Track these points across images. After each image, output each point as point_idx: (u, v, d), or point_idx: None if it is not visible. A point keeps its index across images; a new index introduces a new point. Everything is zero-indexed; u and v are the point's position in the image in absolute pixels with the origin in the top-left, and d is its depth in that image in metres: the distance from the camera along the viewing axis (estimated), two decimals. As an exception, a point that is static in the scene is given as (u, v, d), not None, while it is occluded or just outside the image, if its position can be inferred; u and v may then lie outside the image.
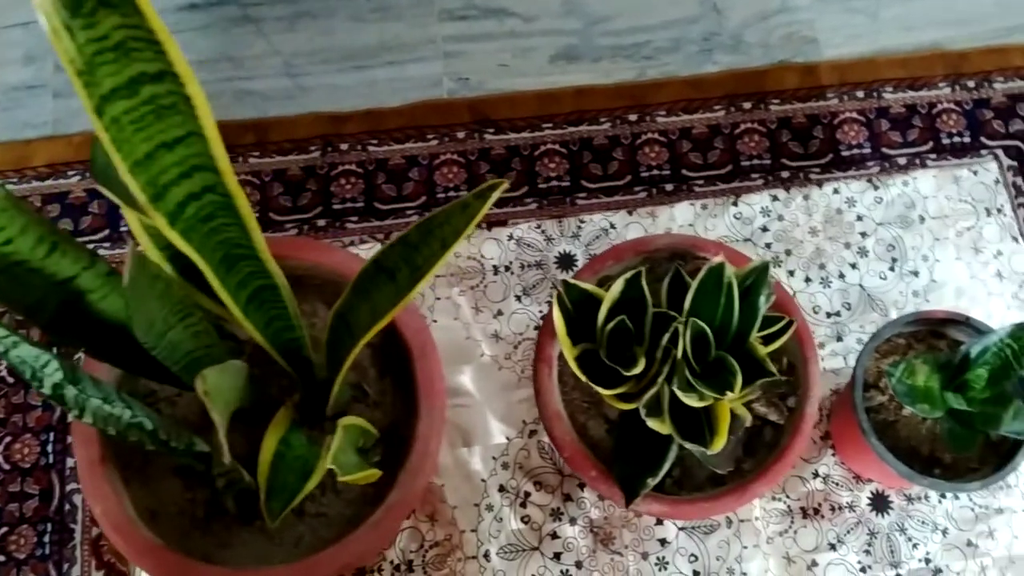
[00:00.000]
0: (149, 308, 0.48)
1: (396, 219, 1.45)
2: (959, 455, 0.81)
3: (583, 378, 0.69)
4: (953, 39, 1.53)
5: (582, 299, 0.72)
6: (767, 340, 0.73)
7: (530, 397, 0.94)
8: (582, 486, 0.91)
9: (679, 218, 1.00)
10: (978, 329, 0.83)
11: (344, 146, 1.48)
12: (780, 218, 1.00)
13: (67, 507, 1.32)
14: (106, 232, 1.42)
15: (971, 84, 1.51)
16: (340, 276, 0.71)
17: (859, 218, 1.00)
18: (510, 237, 1.00)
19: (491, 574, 0.89)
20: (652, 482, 0.71)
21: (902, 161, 1.47)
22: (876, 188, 1.01)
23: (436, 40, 1.56)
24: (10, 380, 1.37)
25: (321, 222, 1.44)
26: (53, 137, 1.47)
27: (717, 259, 0.67)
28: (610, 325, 0.70)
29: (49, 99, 1.50)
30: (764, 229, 0.99)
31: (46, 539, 1.29)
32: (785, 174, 1.46)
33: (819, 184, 1.00)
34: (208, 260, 0.49)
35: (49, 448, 1.33)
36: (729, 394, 0.65)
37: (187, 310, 0.53)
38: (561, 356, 0.79)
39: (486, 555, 0.89)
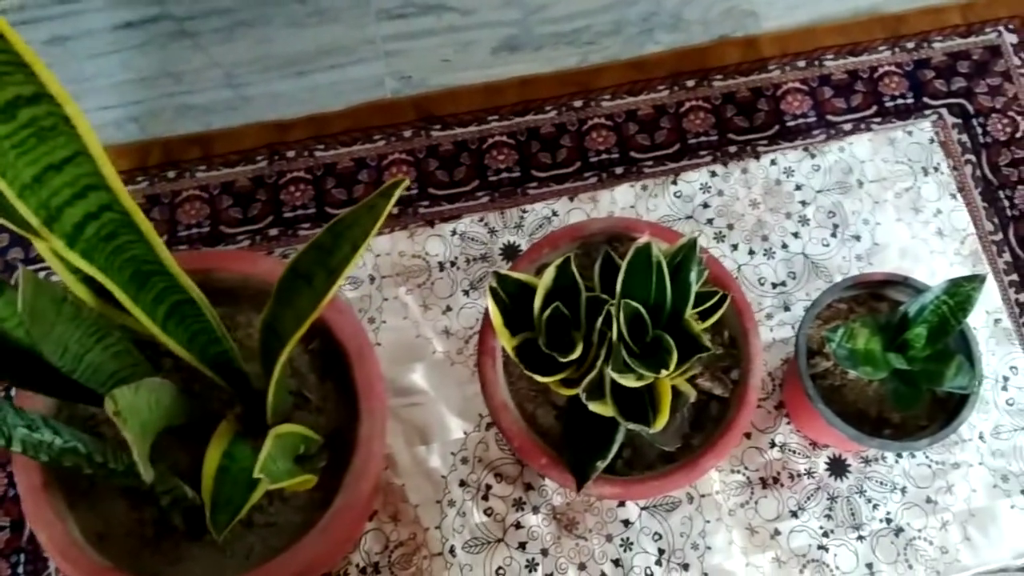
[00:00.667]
0: (58, 333, 0.48)
1: (348, 223, 1.44)
2: (907, 414, 0.82)
3: (522, 368, 0.69)
4: (890, 2, 1.54)
5: (518, 290, 0.72)
6: (704, 315, 0.73)
7: (484, 390, 0.94)
8: (543, 474, 0.91)
9: (620, 200, 1.00)
10: (917, 288, 0.83)
11: (291, 153, 1.47)
12: (720, 193, 1.00)
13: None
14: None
15: (910, 45, 1.52)
16: (271, 285, 0.70)
17: (798, 187, 1.00)
18: (453, 232, 1.00)
19: (458, 569, 0.89)
20: (602, 465, 0.71)
21: (847, 127, 1.48)
22: (813, 156, 1.01)
23: (375, 40, 1.56)
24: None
25: (273, 231, 1.43)
26: None
27: (643, 239, 0.67)
28: (546, 313, 0.70)
29: None
30: (705, 205, 1.00)
31: (20, 570, 1.28)
32: (732, 149, 1.47)
33: (756, 156, 1.01)
34: (115, 279, 0.49)
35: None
36: (664, 372, 0.65)
37: (103, 331, 0.52)
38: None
39: (451, 551, 0.89)
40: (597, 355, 0.69)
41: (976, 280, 0.75)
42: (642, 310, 0.69)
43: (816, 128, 1.47)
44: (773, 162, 1.01)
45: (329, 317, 0.71)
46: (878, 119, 1.48)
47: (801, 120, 1.48)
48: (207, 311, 0.57)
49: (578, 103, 1.50)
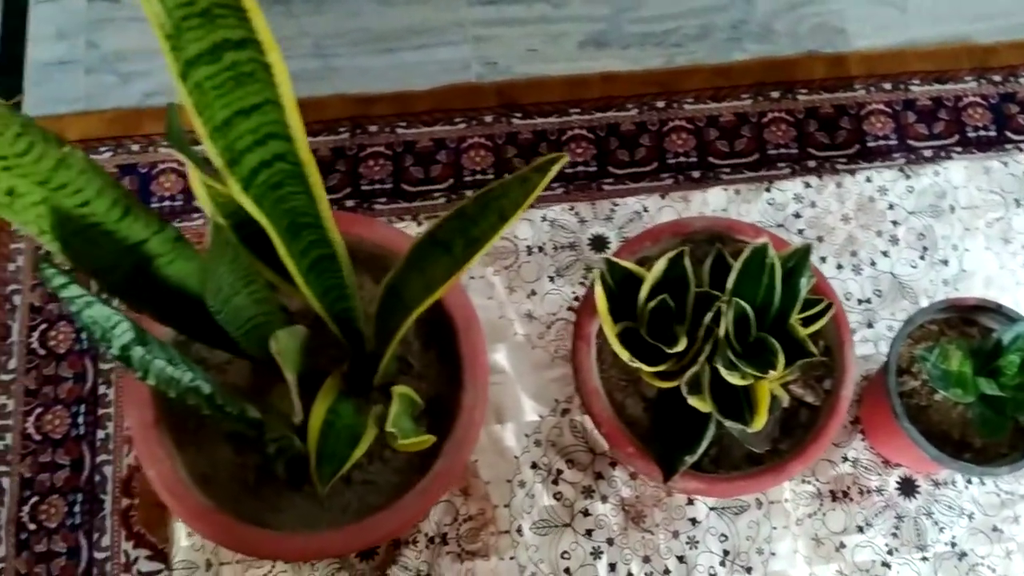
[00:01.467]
0: (219, 273, 0.49)
1: (424, 201, 1.46)
2: (989, 440, 0.82)
3: (625, 356, 0.70)
4: (980, 33, 1.54)
5: (623, 278, 0.73)
6: (806, 323, 0.74)
7: (563, 376, 0.95)
8: (613, 464, 0.92)
9: (712, 203, 1.01)
10: (1009, 316, 0.84)
11: (373, 128, 1.49)
12: (813, 205, 1.01)
13: (97, 478, 1.34)
14: (137, 208, 1.43)
15: (997, 78, 1.51)
16: (385, 250, 0.72)
17: (891, 207, 1.01)
18: (543, 218, 1.01)
19: (524, 549, 0.90)
20: (690, 460, 0.72)
21: (928, 153, 1.48)
22: (908, 177, 1.01)
23: (465, 24, 1.57)
24: (41, 352, 1.39)
25: (350, 203, 1.45)
26: (86, 113, 1.48)
27: (761, 240, 0.68)
28: (652, 304, 0.71)
29: (81, 75, 1.51)
30: (797, 215, 1.00)
31: (76, 509, 1.31)
32: (812, 163, 1.47)
33: (851, 172, 1.01)
34: (275, 226, 0.51)
35: (80, 420, 1.35)
36: (772, 373, 0.66)
37: (251, 276, 0.54)
38: (599, 334, 0.81)
39: (519, 530, 0.90)
40: (701, 350, 0.70)
41: (1077, 314, 0.76)
42: (749, 310, 0.70)
43: (897, 151, 1.47)
44: (868, 179, 1.01)
45: (440, 287, 0.72)
46: (959, 148, 1.48)
47: (883, 142, 1.48)
48: (345, 268, 0.59)
49: (660, 104, 1.51)
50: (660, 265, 0.71)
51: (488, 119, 1.52)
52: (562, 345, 0.96)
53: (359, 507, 0.69)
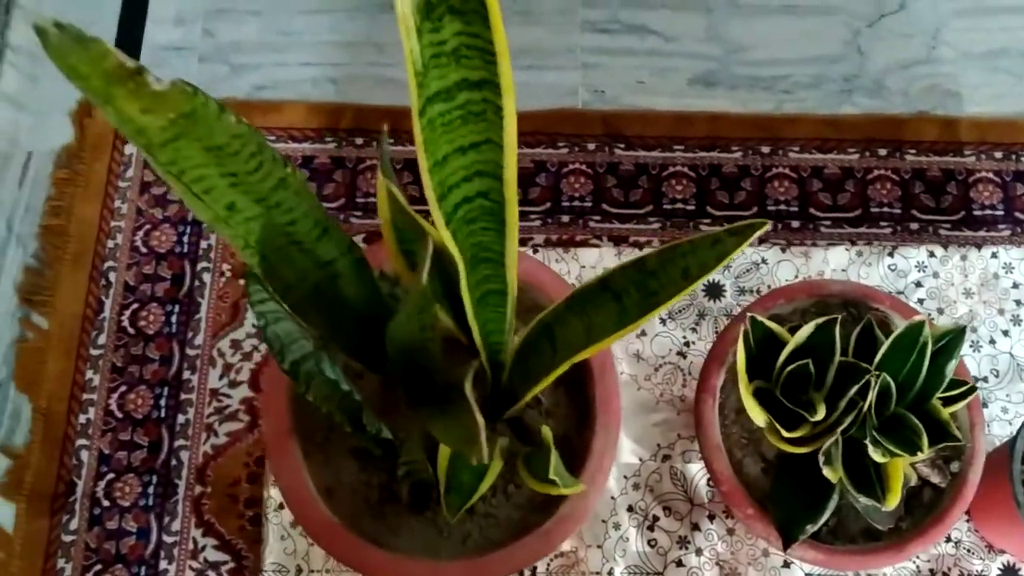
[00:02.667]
0: (410, 305, 0.49)
1: (520, 222, 1.46)
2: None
3: (761, 419, 0.69)
4: (1100, 110, 1.51)
5: (763, 337, 0.72)
6: (944, 403, 0.72)
7: (666, 421, 0.94)
8: (711, 517, 0.91)
9: (832, 262, 0.99)
10: None
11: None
12: (935, 275, 0.99)
13: (174, 462, 1.35)
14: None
15: (1113, 158, 1.48)
16: (527, 284, 0.72)
17: (1015, 285, 0.99)
18: (661, 259, 1.00)
19: (613, 592, 0.89)
20: (811, 529, 0.71)
21: (1035, 228, 1.45)
22: (1036, 257, 0.99)
23: (576, 50, 1.57)
24: (131, 331, 1.41)
25: (446, 216, 1.45)
26: (195, 100, 1.50)
27: (919, 318, 0.67)
28: (791, 367, 0.70)
29: (195, 63, 1.53)
30: (918, 284, 0.99)
31: (150, 491, 1.32)
32: (914, 226, 1.45)
33: (978, 246, 0.99)
34: (464, 260, 0.50)
35: (162, 402, 1.37)
36: (919, 454, 0.64)
37: (429, 302, 0.54)
38: (723, 388, 0.80)
39: (610, 573, 0.89)
40: (839, 421, 0.69)
41: None
42: (892, 386, 0.69)
43: (1003, 223, 1.45)
44: (994, 255, 0.99)
45: (579, 327, 0.71)
46: (1068, 226, 1.45)
47: (988, 211, 1.45)
48: (510, 304, 0.58)
49: (765, 149, 1.49)
50: (807, 330, 0.70)
51: (591, 146, 1.51)
52: (667, 389, 0.95)
53: (479, 539, 0.68)
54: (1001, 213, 1.46)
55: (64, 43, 0.32)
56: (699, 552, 0.90)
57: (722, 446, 0.77)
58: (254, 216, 0.43)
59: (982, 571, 0.89)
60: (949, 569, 0.90)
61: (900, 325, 0.80)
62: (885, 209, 1.46)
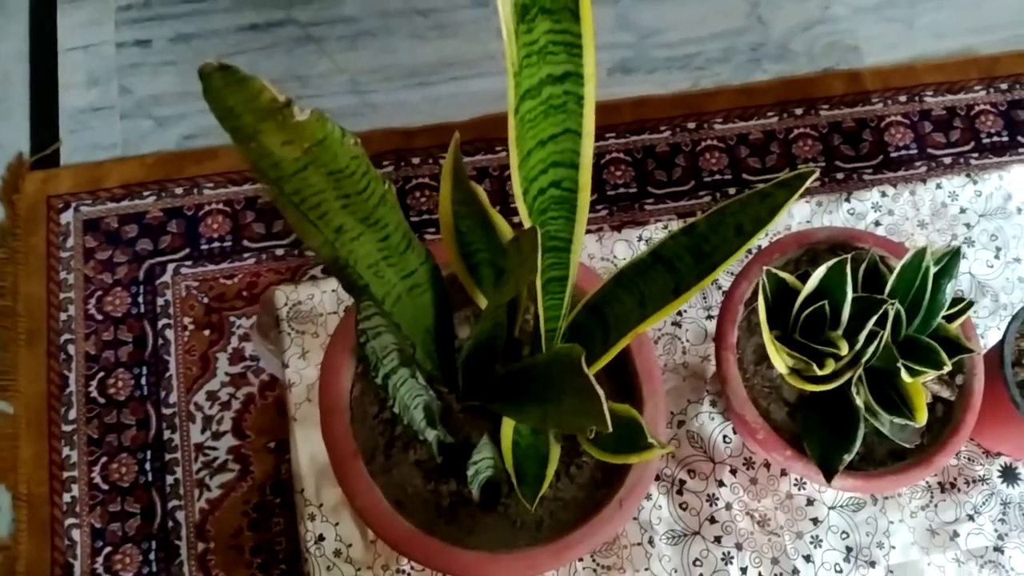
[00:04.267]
0: (490, 312, 0.51)
1: (473, 229, 1.48)
2: (1100, 423, 0.88)
3: (784, 365, 0.73)
4: (984, 44, 1.62)
5: (776, 288, 0.77)
6: (946, 320, 0.78)
7: (674, 388, 0.98)
8: (734, 472, 0.95)
9: (797, 215, 1.05)
10: (1106, 306, 0.89)
11: (416, 160, 1.51)
12: (890, 212, 1.06)
13: (171, 524, 1.32)
14: (186, 251, 1.43)
15: (1004, 87, 1.60)
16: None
17: (962, 211, 1.06)
18: (639, 238, 1.04)
19: (657, 559, 0.92)
20: (848, 458, 0.76)
21: (947, 161, 1.56)
22: (975, 183, 1.07)
23: (495, 56, 1.60)
24: (101, 400, 1.37)
25: (400, 234, 1.46)
26: (124, 158, 1.47)
27: (921, 245, 0.72)
28: (808, 310, 0.75)
29: (116, 121, 1.51)
30: (877, 223, 1.05)
31: (151, 556, 1.29)
32: (840, 175, 1.54)
33: (923, 180, 1.07)
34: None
35: (147, 466, 1.34)
36: (945, 368, 0.70)
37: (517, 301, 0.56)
38: (739, 343, 0.84)
39: (650, 541, 0.93)
40: (862, 352, 0.74)
41: None
42: (903, 313, 0.74)
43: (918, 160, 1.55)
44: (939, 186, 1.07)
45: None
46: (976, 154, 1.56)
47: (904, 152, 1.55)
48: (569, 290, 0.61)
49: (691, 125, 1.56)
50: (820, 272, 0.74)
51: (528, 147, 1.54)
52: (670, 359, 0.99)
53: (552, 523, 0.70)
54: (915, 151, 1.56)
55: (225, 84, 0.33)
56: (728, 506, 0.94)
57: (749, 398, 0.82)
58: (356, 235, 0.44)
59: (984, 475, 0.96)
60: (956, 479, 0.96)
61: (889, 258, 0.86)
62: (811, 164, 1.54)
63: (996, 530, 0.95)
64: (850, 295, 0.75)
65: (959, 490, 0.96)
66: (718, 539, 0.93)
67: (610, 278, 0.62)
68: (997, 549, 0.95)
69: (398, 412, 0.56)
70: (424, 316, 0.56)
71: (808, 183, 0.54)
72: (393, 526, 0.66)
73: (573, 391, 0.48)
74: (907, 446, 0.79)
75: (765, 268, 0.75)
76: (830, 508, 0.95)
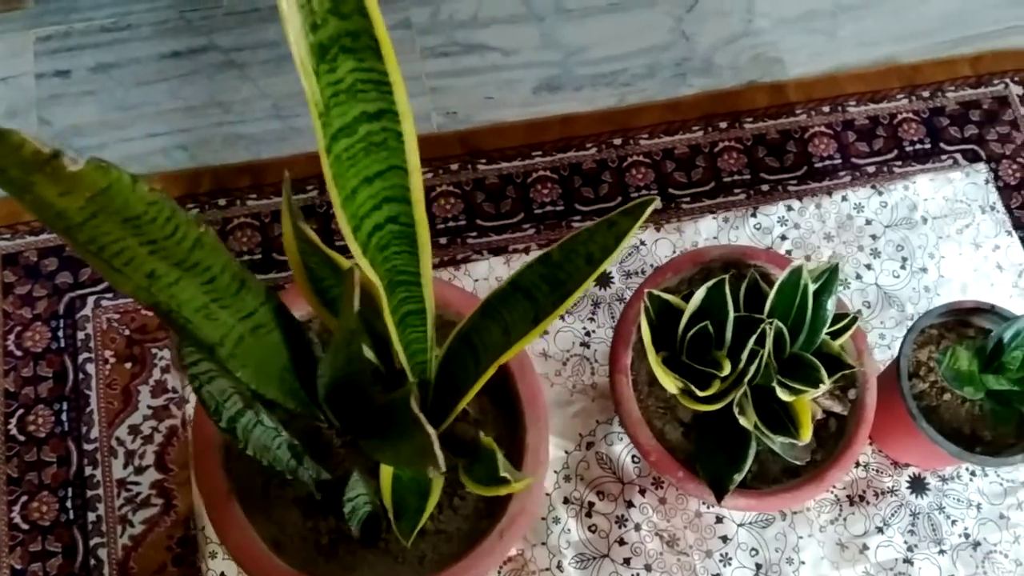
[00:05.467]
0: (340, 342, 0.51)
1: (399, 252, 1.47)
2: (998, 432, 0.88)
3: (673, 385, 0.73)
4: (905, 53, 1.64)
5: (661, 309, 0.76)
6: (831, 336, 0.78)
7: (584, 410, 0.98)
8: (643, 492, 0.95)
9: (704, 231, 1.05)
10: (1002, 316, 0.90)
11: (341, 184, 1.50)
12: (796, 226, 1.06)
13: (92, 562, 1.30)
14: (106, 283, 1.41)
15: (926, 94, 1.62)
16: (443, 308, 0.74)
17: (868, 222, 1.07)
18: (547, 259, 1.04)
19: (566, 584, 0.92)
20: (738, 477, 0.76)
21: (871, 169, 1.57)
22: (880, 194, 1.08)
23: (420, 76, 1.60)
24: (20, 438, 1.35)
25: (325, 259, 1.45)
26: (43, 190, 1.45)
27: (797, 263, 0.72)
28: (692, 331, 0.75)
29: (35, 153, 1.48)
30: (783, 237, 1.06)
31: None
32: (765, 187, 1.54)
33: (828, 192, 1.07)
34: (382, 286, 0.52)
35: (68, 504, 1.32)
36: (821, 386, 0.70)
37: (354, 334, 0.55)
38: (632, 365, 0.84)
39: (559, 566, 0.92)
40: (745, 372, 0.74)
41: (1068, 308, 0.82)
42: (785, 330, 0.74)
43: (842, 170, 1.56)
44: (844, 198, 1.07)
45: (490, 334, 0.74)
46: (899, 162, 1.57)
47: (828, 162, 1.56)
48: (430, 322, 0.60)
49: (617, 141, 1.56)
50: (700, 294, 0.74)
51: (454, 167, 1.55)
52: (578, 380, 0.99)
53: (435, 557, 0.70)
54: (839, 161, 1.57)
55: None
56: (638, 527, 0.94)
57: (643, 419, 0.81)
58: (174, 280, 0.44)
59: (893, 487, 0.97)
60: (864, 491, 0.96)
61: (779, 275, 0.86)
62: (736, 177, 1.55)
63: (906, 542, 0.95)
64: (732, 314, 0.75)
65: (868, 503, 0.96)
66: (627, 561, 0.93)
67: (477, 308, 0.62)
68: (907, 561, 0.95)
69: (253, 455, 0.55)
70: (277, 355, 0.55)
71: (648, 212, 0.54)
72: (268, 568, 0.65)
73: (409, 430, 0.47)
74: (798, 463, 0.79)
75: (647, 290, 0.75)
76: (739, 525, 0.94)
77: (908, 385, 0.88)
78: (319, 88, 0.43)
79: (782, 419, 0.75)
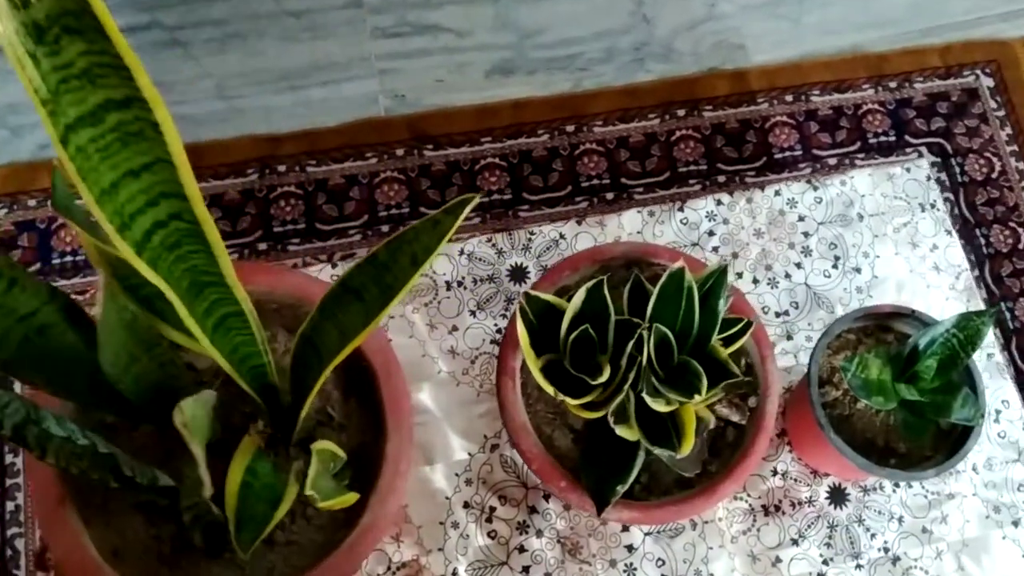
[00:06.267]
0: (116, 339, 0.47)
1: (339, 239, 1.44)
2: (913, 444, 0.84)
3: (550, 390, 0.69)
4: (872, 42, 1.58)
5: (544, 310, 0.72)
6: (726, 342, 0.74)
7: (490, 411, 0.94)
8: (547, 497, 0.91)
9: (627, 226, 1.01)
10: (923, 321, 0.85)
11: (282, 168, 1.46)
12: (725, 222, 1.02)
13: (9, 553, 1.27)
14: (37, 265, 1.38)
15: (892, 85, 1.56)
16: (297, 299, 0.70)
17: (801, 218, 1.02)
18: (461, 252, 1.00)
19: (461, 592, 0.88)
20: (622, 489, 0.72)
21: (832, 162, 1.51)
22: (815, 189, 1.03)
23: (369, 58, 1.55)
24: (-58, 424, 1.31)
25: (262, 246, 1.42)
26: (-25, 170, 1.42)
27: (677, 264, 0.68)
28: (573, 335, 0.71)
29: (-32, 131, 1.45)
30: (710, 233, 1.01)
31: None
32: (722, 178, 1.49)
33: (761, 187, 1.03)
34: (175, 288, 0.48)
35: (-13, 492, 1.28)
36: (696, 397, 0.65)
37: (153, 340, 0.51)
38: (524, 368, 0.80)
39: (454, 573, 0.88)
40: (624, 379, 0.69)
41: (985, 315, 0.77)
42: (670, 335, 0.70)
43: (803, 161, 1.50)
44: (777, 193, 1.03)
45: (356, 333, 0.70)
46: (861, 155, 1.51)
47: (788, 153, 1.50)
48: (253, 324, 0.56)
49: (570, 128, 1.51)
50: (579, 296, 0.70)
51: (400, 152, 1.50)
52: (487, 379, 0.95)
53: (285, 569, 0.66)
54: (800, 152, 1.51)
55: None
56: (539, 534, 0.90)
57: (528, 425, 0.77)
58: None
59: (811, 497, 0.92)
60: (780, 501, 0.92)
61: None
62: (692, 167, 1.50)
63: (821, 555, 0.91)
64: (613, 318, 0.70)
65: (784, 513, 0.92)
66: (526, 569, 0.89)
67: (316, 308, 0.58)
68: (821, 575, 0.91)
69: (56, 463, 0.51)
70: (78, 357, 0.52)
71: (468, 209, 0.50)
72: (97, 576, 0.61)
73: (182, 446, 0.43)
74: (686, 475, 0.75)
75: (524, 291, 0.70)
76: (646, 534, 0.90)
77: (818, 393, 0.83)
78: (39, 73, 0.39)
79: (667, 429, 0.71)
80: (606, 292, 0.70)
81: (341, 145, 1.48)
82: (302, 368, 0.61)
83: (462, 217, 0.51)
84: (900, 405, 0.80)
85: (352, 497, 0.58)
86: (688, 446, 0.68)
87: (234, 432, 0.66)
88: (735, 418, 0.77)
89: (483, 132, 1.52)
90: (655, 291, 0.68)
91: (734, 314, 0.79)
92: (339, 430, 0.71)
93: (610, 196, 1.49)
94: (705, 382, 0.67)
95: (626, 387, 0.69)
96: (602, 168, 1.50)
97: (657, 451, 0.68)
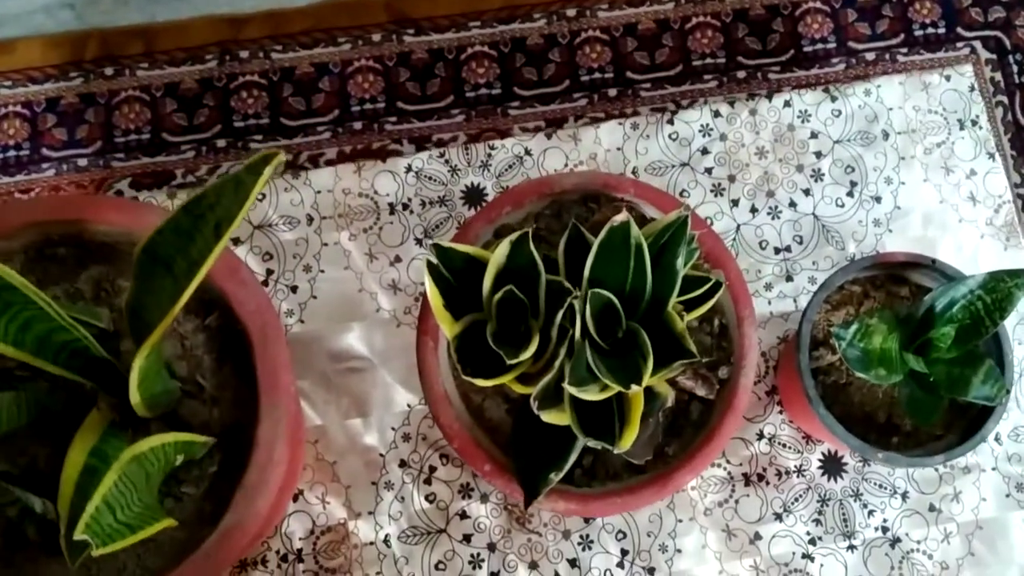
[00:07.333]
0: None
1: (306, 136, 1.29)
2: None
3: (457, 365, 0.56)
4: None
5: (466, 264, 0.59)
6: (690, 305, 0.60)
7: (434, 356, 0.82)
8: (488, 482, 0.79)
9: (606, 141, 0.86)
10: (945, 274, 0.70)
11: (244, 54, 1.31)
12: (723, 137, 0.86)
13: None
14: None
15: (949, -34, 1.34)
16: (129, 235, 0.57)
17: (813, 135, 0.86)
18: (408, 169, 0.86)
19: (391, 562, 0.78)
20: (556, 477, 0.59)
21: (870, 56, 1.32)
22: (834, 99, 0.86)
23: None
24: None
25: (221, 142, 1.28)
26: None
27: (620, 217, 0.53)
28: (497, 296, 0.57)
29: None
30: (704, 151, 0.86)
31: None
32: (742, 74, 1.31)
33: (768, 96, 0.86)
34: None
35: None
36: (634, 387, 0.52)
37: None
38: (451, 324, 0.66)
39: (386, 540, 0.78)
40: (556, 353, 0.56)
41: (1021, 275, 0.62)
42: (615, 301, 0.56)
43: (836, 56, 1.31)
44: (787, 103, 0.86)
45: (228, 289, 0.57)
46: (904, 49, 1.32)
47: (820, 46, 1.31)
48: (35, 295, 0.44)
49: (571, 12, 1.33)
50: (501, 250, 0.56)
51: (376, 38, 1.33)
52: (433, 322, 0.83)
53: (136, 571, 0.56)
54: (833, 46, 1.32)
55: None
56: (484, 499, 0.79)
57: (454, 393, 0.65)
58: None
59: (801, 466, 0.80)
60: (764, 469, 0.80)
61: (652, 215, 0.67)
62: (708, 61, 1.32)
63: (808, 532, 0.79)
64: (544, 278, 0.57)
65: (768, 483, 0.80)
66: (467, 538, 0.79)
67: (133, 278, 0.45)
68: (806, 556, 0.79)
69: None
70: None
71: (271, 168, 0.36)
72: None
73: None
74: (636, 462, 0.62)
75: (432, 242, 0.57)
76: (606, 504, 0.79)
77: (808, 359, 0.69)
78: None
79: (609, 413, 0.58)
80: (532, 248, 0.56)
81: (310, 28, 1.32)
82: (138, 340, 0.49)
83: (264, 178, 0.38)
84: (907, 377, 0.66)
85: (166, 524, 0.47)
86: (630, 438, 0.55)
87: (87, 406, 0.55)
88: (701, 392, 0.64)
89: (471, 15, 1.34)
90: (593, 248, 0.54)
91: (708, 263, 0.65)
92: (210, 404, 0.59)
93: (613, 92, 1.32)
94: (651, 364, 0.53)
95: (557, 363, 0.56)
96: (605, 60, 1.32)
97: (592, 443, 0.55)
